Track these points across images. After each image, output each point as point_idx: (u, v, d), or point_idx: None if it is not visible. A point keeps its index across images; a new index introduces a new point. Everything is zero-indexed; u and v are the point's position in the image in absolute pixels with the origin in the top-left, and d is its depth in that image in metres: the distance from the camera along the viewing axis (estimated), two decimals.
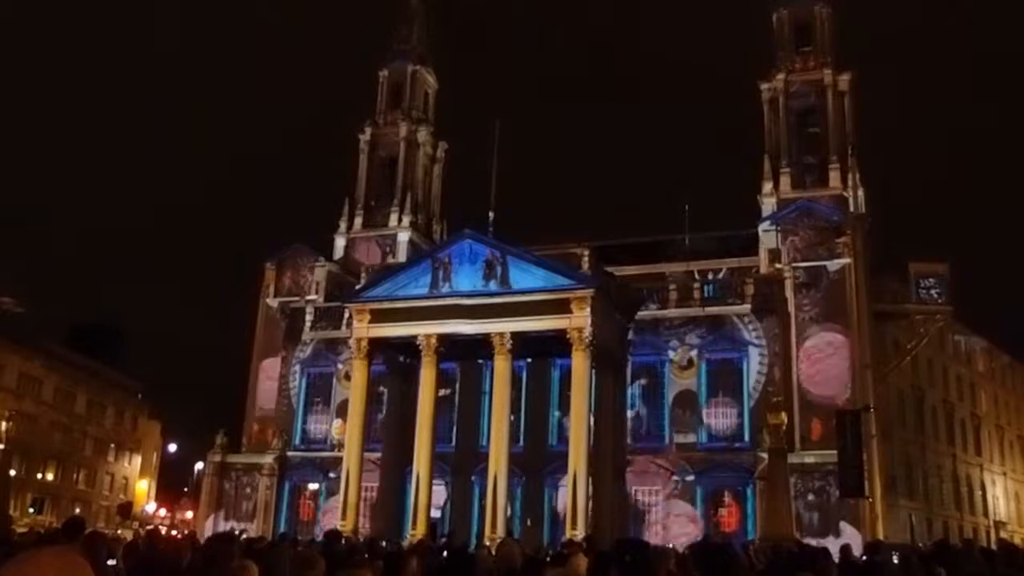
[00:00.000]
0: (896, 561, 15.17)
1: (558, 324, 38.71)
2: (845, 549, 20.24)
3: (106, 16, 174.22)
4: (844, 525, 37.32)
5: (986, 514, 62.07)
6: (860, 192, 46.46)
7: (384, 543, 17.05)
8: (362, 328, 41.81)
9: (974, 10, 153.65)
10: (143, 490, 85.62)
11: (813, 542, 26.78)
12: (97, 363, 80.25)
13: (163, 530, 56.45)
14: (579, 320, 38.19)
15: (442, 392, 42.11)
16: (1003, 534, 55.63)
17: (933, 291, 45.59)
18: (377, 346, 41.97)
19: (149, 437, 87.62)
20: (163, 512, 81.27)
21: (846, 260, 42.27)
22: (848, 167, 46.37)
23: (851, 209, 44.84)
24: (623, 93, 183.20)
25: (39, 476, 71.84)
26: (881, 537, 33.32)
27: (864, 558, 14.74)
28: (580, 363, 38.28)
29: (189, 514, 71.89)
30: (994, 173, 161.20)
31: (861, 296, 42.29)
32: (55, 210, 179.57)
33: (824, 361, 41.23)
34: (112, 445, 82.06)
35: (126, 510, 68.00)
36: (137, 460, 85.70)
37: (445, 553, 15.25)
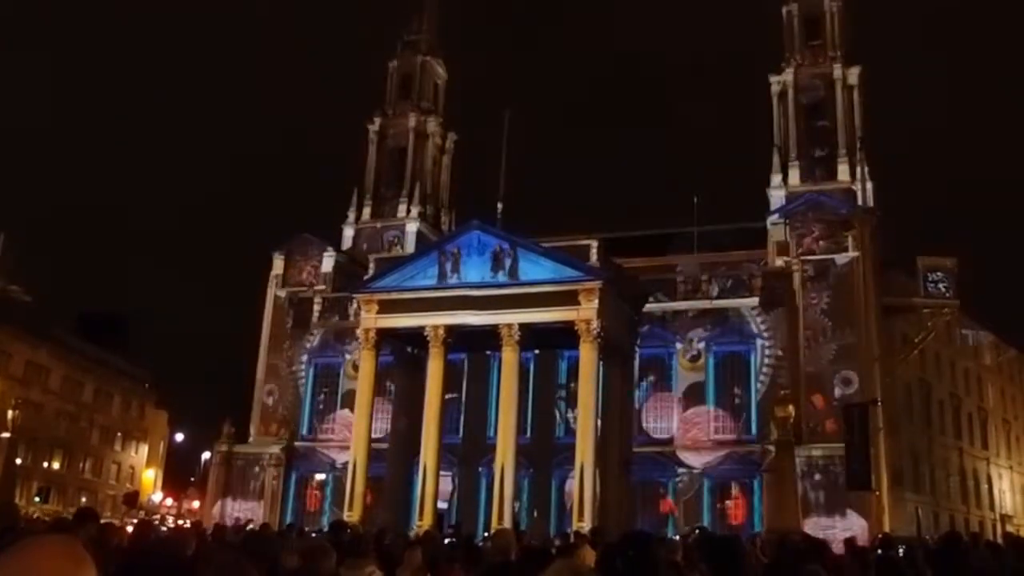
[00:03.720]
0: (901, 554, 15.13)
1: (566, 316, 38.66)
2: (850, 542, 20.23)
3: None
4: (851, 517, 37.27)
5: (992, 508, 61.97)
6: (869, 186, 46.22)
7: (386, 536, 17.01)
8: (370, 319, 41.83)
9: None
10: (150, 479, 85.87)
11: (819, 535, 26.74)
12: (104, 352, 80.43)
13: (169, 519, 56.66)
14: (587, 312, 38.13)
15: (449, 396, 42.07)
16: (1009, 528, 55.51)
17: (941, 285, 45.39)
18: (385, 337, 41.99)
19: (156, 426, 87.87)
20: (169, 501, 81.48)
21: (854, 253, 42.13)
22: (857, 161, 46.14)
23: (860, 203, 44.67)
24: (633, 85, 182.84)
25: (45, 465, 72.14)
26: (887, 530, 33.25)
27: (879, 551, 14.71)
28: (588, 355, 38.25)
29: (195, 504, 72.09)
30: (1004, 168, 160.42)
31: (869, 289, 42.15)
32: (62, 202, 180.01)
33: None
34: (119, 434, 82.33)
35: (132, 499, 68.17)
36: (144, 449, 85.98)
37: (447, 542, 15.28)
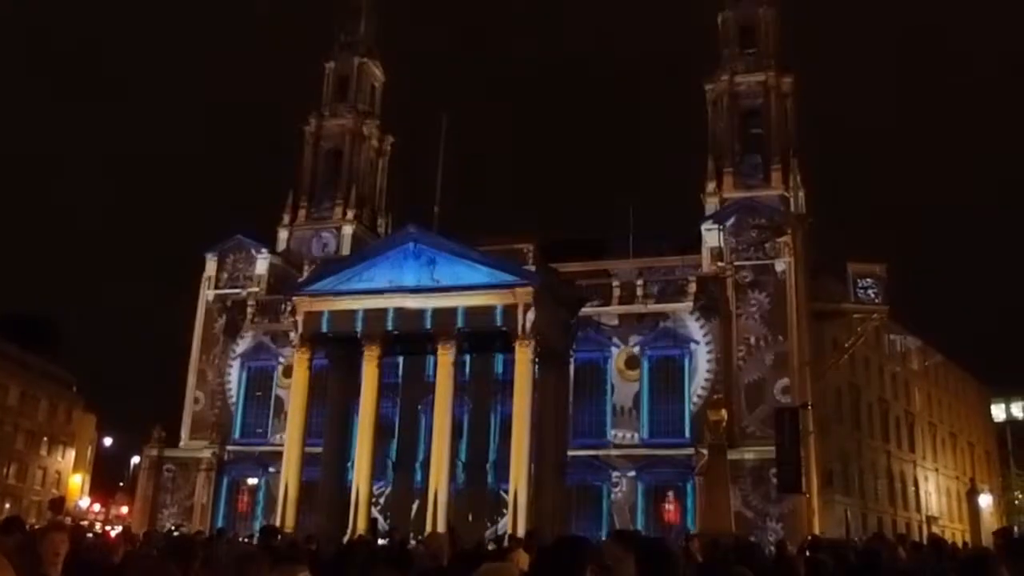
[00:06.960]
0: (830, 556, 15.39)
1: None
2: (781, 545, 20.55)
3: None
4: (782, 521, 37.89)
5: (919, 509, 63.47)
6: (801, 193, 47.17)
7: (313, 541, 16.81)
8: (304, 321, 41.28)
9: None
10: (76, 485, 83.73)
11: (751, 538, 27.13)
12: (30, 354, 78.21)
13: (97, 525, 55.33)
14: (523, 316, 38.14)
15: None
16: (935, 529, 56.91)
17: (871, 291, 46.37)
18: (319, 340, 41.52)
19: (84, 430, 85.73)
20: (97, 507, 79.47)
21: (787, 259, 42.85)
22: (790, 168, 47.05)
23: (792, 209, 45.51)
24: (573, 90, 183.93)
25: None
26: (817, 532, 33.86)
27: (807, 554, 14.96)
28: (523, 359, 38.29)
29: (124, 509, 70.47)
30: (929, 178, 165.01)
31: (801, 295, 42.92)
32: None
33: None
34: (45, 438, 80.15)
35: (58, 505, 66.27)
36: (71, 454, 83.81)
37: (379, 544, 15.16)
